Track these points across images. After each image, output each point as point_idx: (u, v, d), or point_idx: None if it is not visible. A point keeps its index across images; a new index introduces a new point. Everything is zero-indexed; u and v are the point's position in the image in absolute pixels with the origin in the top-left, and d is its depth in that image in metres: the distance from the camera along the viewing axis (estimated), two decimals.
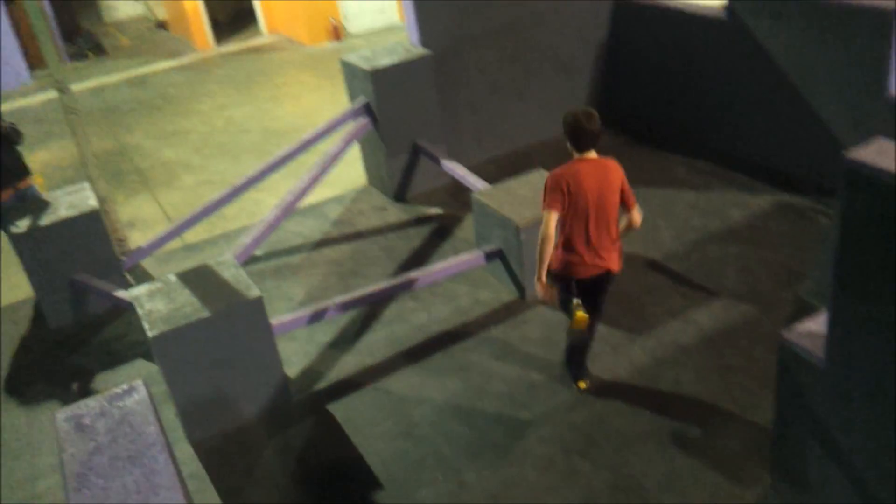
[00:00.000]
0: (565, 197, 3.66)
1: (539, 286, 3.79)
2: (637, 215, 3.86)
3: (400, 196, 6.51)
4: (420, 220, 6.15)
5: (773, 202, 5.65)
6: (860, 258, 2.82)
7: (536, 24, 6.76)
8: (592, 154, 3.72)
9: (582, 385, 4.24)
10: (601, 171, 3.71)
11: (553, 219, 3.68)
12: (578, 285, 3.89)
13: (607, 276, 3.89)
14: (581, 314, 3.80)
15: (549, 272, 3.81)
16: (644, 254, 5.29)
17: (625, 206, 3.82)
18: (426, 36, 6.29)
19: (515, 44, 6.73)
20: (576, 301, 3.89)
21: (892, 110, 5.00)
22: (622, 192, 3.78)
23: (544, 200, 3.73)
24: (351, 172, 7.09)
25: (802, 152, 5.75)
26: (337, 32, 13.31)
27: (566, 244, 3.80)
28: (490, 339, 4.72)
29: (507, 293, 5.11)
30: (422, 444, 4.03)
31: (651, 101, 6.98)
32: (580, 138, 3.67)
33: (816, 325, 3.33)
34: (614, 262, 3.87)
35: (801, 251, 5.08)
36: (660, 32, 6.72)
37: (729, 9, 5.95)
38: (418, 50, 6.27)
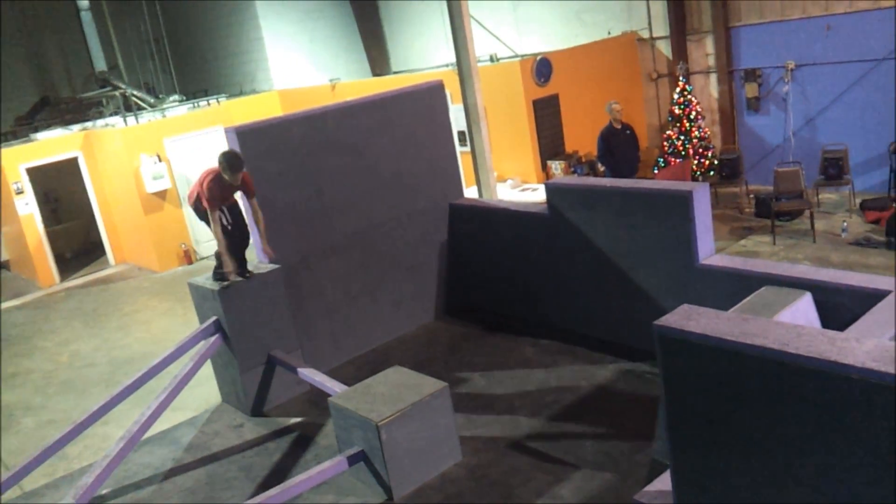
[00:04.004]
0: (216, 197, 5.94)
1: (227, 263, 6.13)
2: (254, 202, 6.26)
3: (257, 410, 6.34)
4: (279, 433, 5.98)
5: (615, 371, 5.99)
6: (684, 413, 3.05)
7: (380, 233, 7.18)
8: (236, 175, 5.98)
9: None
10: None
11: (216, 209, 5.99)
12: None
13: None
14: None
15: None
16: (504, 435, 5.38)
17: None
18: (275, 253, 6.48)
19: (363, 252, 7.08)
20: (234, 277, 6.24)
21: (701, 278, 5.58)
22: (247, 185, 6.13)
23: (206, 201, 5.95)
24: (204, 392, 6.89)
25: (632, 322, 6.21)
26: (188, 257, 13.39)
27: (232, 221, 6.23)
28: None
29: (374, 496, 4.97)
30: None
31: (493, 291, 7.41)
32: (234, 168, 5.85)
33: (664, 483, 3.48)
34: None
35: (648, 415, 5.33)
36: (492, 229, 7.31)
37: (548, 204, 6.61)
38: (267, 266, 6.43)
